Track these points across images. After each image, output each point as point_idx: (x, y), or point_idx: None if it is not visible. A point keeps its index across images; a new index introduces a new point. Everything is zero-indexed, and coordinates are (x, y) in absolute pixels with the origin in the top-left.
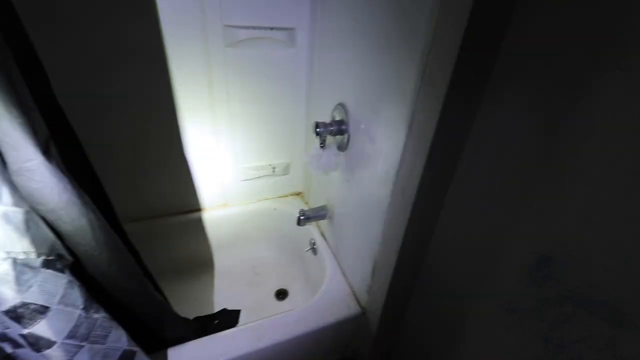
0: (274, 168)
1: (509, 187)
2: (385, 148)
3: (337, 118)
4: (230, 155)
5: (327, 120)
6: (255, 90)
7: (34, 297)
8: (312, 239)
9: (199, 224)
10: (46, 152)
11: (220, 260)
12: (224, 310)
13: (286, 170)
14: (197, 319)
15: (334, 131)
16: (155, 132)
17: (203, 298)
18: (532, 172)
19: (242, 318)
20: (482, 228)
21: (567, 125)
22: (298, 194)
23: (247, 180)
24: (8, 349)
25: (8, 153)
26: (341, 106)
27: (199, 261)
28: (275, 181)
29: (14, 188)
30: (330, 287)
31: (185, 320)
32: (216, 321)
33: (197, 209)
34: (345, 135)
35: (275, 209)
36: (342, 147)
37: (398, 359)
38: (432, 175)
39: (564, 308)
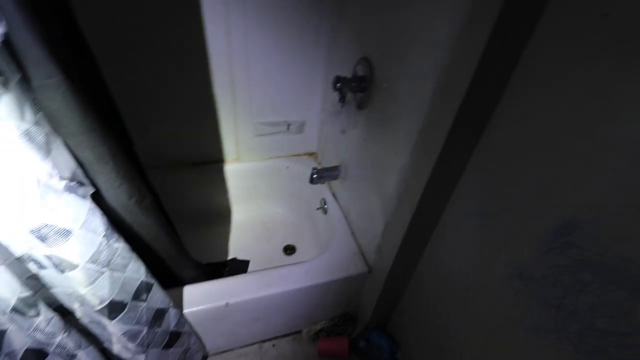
0: (288, 125)
1: (534, 150)
2: (410, 107)
3: (360, 74)
4: (245, 108)
5: (349, 75)
6: (274, 40)
7: (57, 219)
8: (323, 198)
9: (211, 176)
10: (67, 72)
11: (231, 212)
12: (234, 259)
13: (301, 128)
14: (208, 264)
15: (354, 87)
16: (172, 79)
17: (213, 247)
18: (559, 134)
19: (251, 269)
20: (503, 191)
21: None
22: (311, 154)
23: (261, 135)
24: (33, 269)
25: (29, 67)
26: (365, 61)
27: (210, 212)
28: (290, 139)
29: (36, 107)
30: (338, 246)
31: (198, 263)
32: (226, 268)
33: (210, 161)
34: (367, 93)
35: (287, 167)
36: (362, 105)
37: (400, 319)
38: (457, 137)
39: (582, 276)
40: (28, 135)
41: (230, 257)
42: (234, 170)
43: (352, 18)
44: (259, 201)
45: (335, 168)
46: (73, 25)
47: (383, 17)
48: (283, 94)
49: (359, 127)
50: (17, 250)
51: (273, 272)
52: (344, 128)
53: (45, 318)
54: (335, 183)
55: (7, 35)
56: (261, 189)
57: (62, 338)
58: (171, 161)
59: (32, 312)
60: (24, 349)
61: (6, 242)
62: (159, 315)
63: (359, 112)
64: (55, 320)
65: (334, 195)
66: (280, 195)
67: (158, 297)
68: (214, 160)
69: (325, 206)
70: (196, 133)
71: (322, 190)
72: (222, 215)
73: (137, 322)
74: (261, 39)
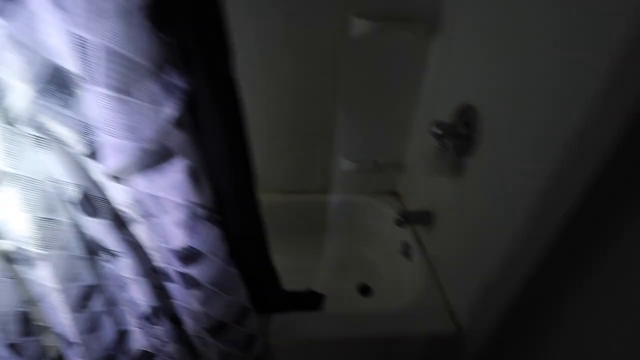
0: (375, 163)
1: None
2: (527, 163)
3: (462, 120)
4: (335, 142)
5: (449, 119)
6: (371, 77)
7: (196, 243)
8: (406, 242)
9: (293, 204)
10: (227, 120)
11: (308, 242)
12: (311, 292)
13: (388, 167)
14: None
15: (455, 134)
16: (274, 107)
17: (287, 274)
18: None
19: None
20: None
21: None
22: (396, 194)
23: (346, 169)
24: (162, 281)
25: (199, 115)
26: (469, 108)
27: (288, 239)
28: (375, 176)
29: (199, 148)
30: (423, 297)
31: (284, 292)
32: (303, 299)
33: (294, 190)
34: (470, 141)
35: (370, 205)
36: (463, 153)
37: None
38: (596, 203)
39: None
40: (194, 171)
41: (303, 286)
42: (316, 201)
43: (457, 59)
44: (337, 235)
45: (425, 212)
46: (230, 68)
47: (496, 62)
48: (374, 131)
49: (456, 174)
50: (158, 264)
51: (353, 315)
52: (438, 173)
53: (164, 328)
54: (421, 228)
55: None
56: (341, 223)
57: (172, 348)
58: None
59: (156, 321)
60: (140, 350)
61: (153, 257)
62: (250, 341)
63: (458, 158)
64: (171, 330)
65: (419, 241)
66: (360, 232)
67: (253, 323)
68: (298, 190)
69: (409, 251)
70: (286, 161)
71: (406, 233)
72: (299, 244)
73: (234, 345)
74: (364, 74)
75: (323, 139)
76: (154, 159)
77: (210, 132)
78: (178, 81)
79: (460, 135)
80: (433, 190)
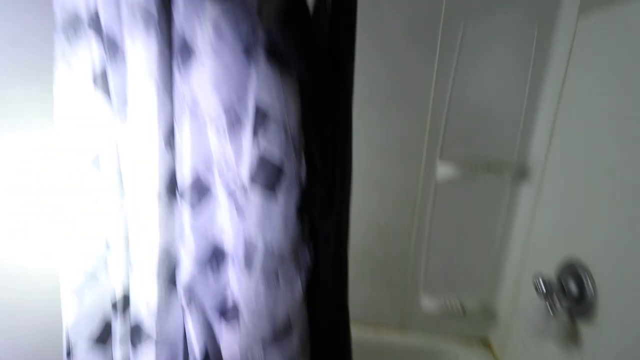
0: (463, 307)
1: None
2: None
3: (570, 276)
4: (417, 278)
5: (555, 273)
6: (455, 218)
7: None
8: None
9: (368, 344)
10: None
11: None
12: None
13: (478, 311)
14: None
15: (565, 294)
16: (353, 237)
17: None
18: None
19: None
20: None
21: None
22: (488, 343)
23: (429, 308)
24: None
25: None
26: (577, 264)
27: None
28: (462, 320)
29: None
30: None
31: None
32: None
33: (371, 322)
34: (584, 304)
35: (457, 357)
36: (578, 314)
37: None
38: None
39: None
40: (304, 341)
41: None
42: (393, 342)
43: (552, 208)
44: None
45: None
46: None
47: (605, 214)
48: (461, 271)
49: (570, 342)
50: None
51: None
52: (545, 335)
53: None
54: None
55: None
56: None
57: None
58: None
59: None
60: None
61: None
62: None
63: (570, 322)
64: None
65: None
66: None
67: None
68: (373, 322)
69: None
70: (362, 291)
71: None
72: None
73: None
74: (448, 215)
75: (403, 273)
76: (278, 335)
77: (322, 303)
78: (307, 258)
79: (570, 295)
80: (539, 354)
